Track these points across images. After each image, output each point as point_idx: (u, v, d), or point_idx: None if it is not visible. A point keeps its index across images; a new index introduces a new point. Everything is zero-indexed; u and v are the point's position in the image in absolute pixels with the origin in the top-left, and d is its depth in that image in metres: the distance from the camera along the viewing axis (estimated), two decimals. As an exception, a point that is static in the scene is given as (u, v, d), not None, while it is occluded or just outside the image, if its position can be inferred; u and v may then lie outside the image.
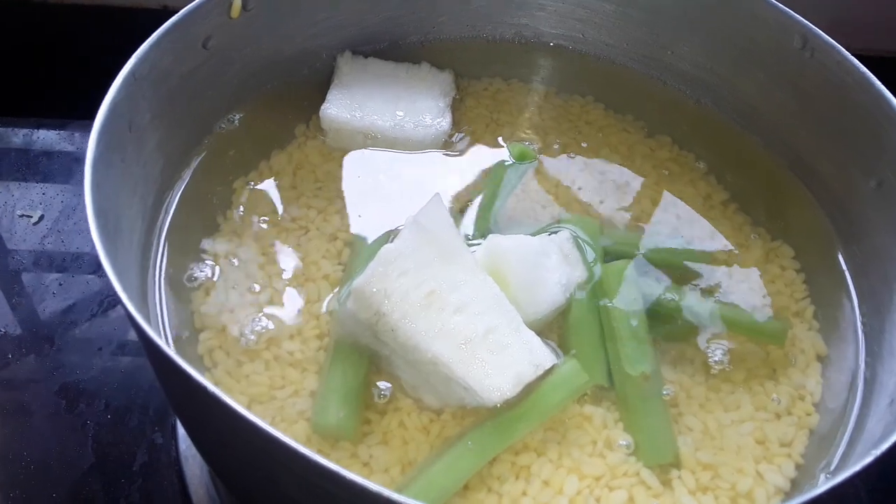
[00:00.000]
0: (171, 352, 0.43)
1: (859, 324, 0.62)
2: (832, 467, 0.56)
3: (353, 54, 0.76)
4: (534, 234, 0.65)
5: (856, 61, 0.64)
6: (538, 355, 0.55)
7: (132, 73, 0.56)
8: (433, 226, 0.57)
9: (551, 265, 0.61)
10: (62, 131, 1.00)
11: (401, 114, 0.73)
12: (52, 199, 0.92)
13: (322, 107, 0.72)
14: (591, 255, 0.64)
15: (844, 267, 0.66)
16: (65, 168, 0.96)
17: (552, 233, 0.65)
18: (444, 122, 0.73)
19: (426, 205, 0.58)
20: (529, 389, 0.55)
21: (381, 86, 0.74)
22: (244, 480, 0.53)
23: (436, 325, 0.54)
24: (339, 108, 0.73)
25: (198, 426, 0.54)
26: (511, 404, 0.55)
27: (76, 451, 0.72)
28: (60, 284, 0.84)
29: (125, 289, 0.46)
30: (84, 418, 0.75)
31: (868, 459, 0.42)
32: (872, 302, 0.62)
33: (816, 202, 0.70)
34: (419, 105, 0.74)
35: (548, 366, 0.55)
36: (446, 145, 0.73)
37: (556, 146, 0.75)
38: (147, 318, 0.57)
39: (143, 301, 0.59)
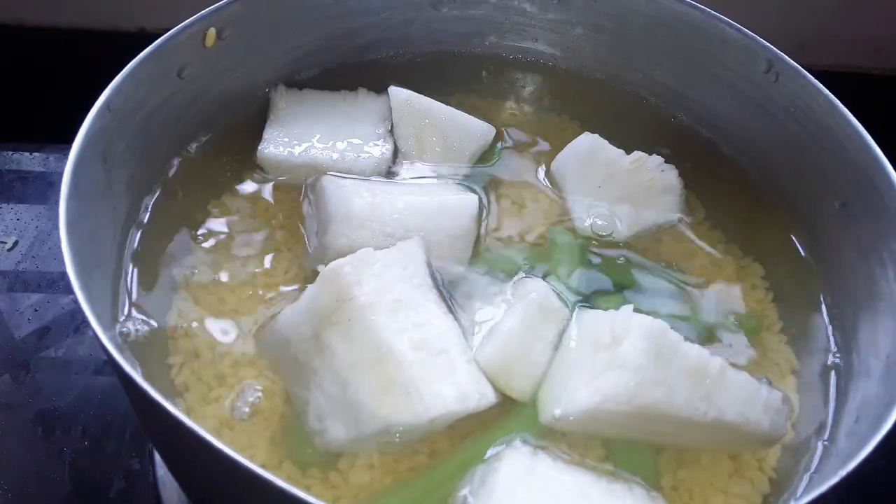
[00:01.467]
0: (144, 384, 0.43)
1: (830, 339, 0.64)
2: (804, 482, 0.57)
3: (287, 87, 0.74)
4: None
5: (819, 85, 0.65)
6: (484, 388, 0.55)
7: (106, 104, 0.56)
8: (410, 257, 0.59)
9: (540, 345, 0.59)
10: (37, 154, 0.99)
11: (341, 145, 0.71)
12: (26, 225, 0.91)
13: (259, 147, 0.70)
14: (570, 297, 0.64)
15: (813, 283, 0.67)
16: (39, 192, 0.95)
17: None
18: (386, 150, 0.71)
19: (408, 241, 0.60)
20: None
21: (319, 118, 0.73)
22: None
23: (396, 325, 0.55)
24: (276, 145, 0.70)
25: (172, 454, 0.54)
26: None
27: (53, 479, 0.72)
28: (36, 310, 0.84)
29: (101, 323, 0.46)
30: (61, 445, 0.74)
31: (834, 480, 0.44)
32: (839, 318, 0.64)
33: (786, 221, 0.71)
34: (359, 134, 0.72)
35: (492, 400, 0.55)
36: (389, 174, 0.71)
37: (533, 165, 0.76)
38: (119, 347, 0.57)
39: (114, 328, 0.59)
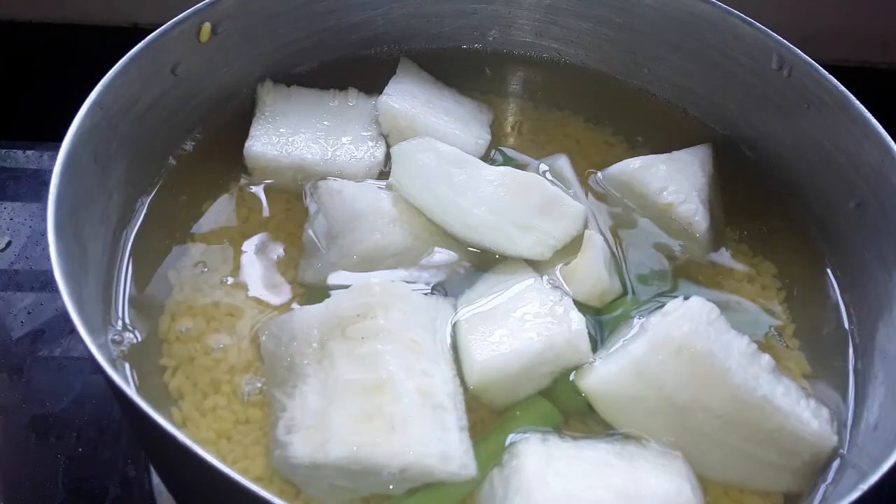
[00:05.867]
0: (137, 398, 0.42)
1: (849, 342, 0.62)
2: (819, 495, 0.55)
3: (275, 83, 0.71)
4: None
5: (833, 80, 0.63)
6: (469, 460, 0.52)
7: (98, 102, 0.54)
8: (440, 313, 0.59)
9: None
10: (30, 152, 0.97)
11: (331, 146, 0.68)
12: (20, 224, 0.89)
13: (246, 143, 0.67)
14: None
15: (829, 286, 0.65)
16: (33, 191, 0.93)
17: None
18: (378, 152, 0.69)
19: (445, 299, 0.60)
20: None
21: (308, 116, 0.70)
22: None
23: (406, 364, 0.53)
24: (264, 143, 0.67)
25: (167, 468, 0.52)
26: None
27: (47, 486, 0.70)
28: (29, 313, 0.82)
29: (90, 330, 0.44)
30: (55, 451, 0.72)
31: (854, 495, 0.42)
32: (857, 319, 0.62)
33: (799, 220, 0.69)
34: (350, 135, 0.69)
35: (472, 475, 0.51)
36: (381, 175, 0.69)
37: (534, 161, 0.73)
38: (111, 353, 0.55)
39: (106, 332, 0.57)
